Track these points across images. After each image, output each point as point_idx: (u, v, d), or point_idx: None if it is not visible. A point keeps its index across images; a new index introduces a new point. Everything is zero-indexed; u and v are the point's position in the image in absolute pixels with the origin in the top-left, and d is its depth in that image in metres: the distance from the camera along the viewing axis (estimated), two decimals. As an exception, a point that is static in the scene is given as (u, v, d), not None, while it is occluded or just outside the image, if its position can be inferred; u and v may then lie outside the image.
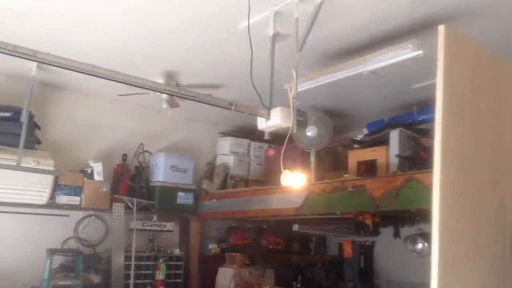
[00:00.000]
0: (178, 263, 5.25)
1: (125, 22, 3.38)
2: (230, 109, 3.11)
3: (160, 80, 4.34)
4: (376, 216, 4.31)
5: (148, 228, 5.16)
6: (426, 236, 4.23)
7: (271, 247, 5.82)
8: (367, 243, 5.12)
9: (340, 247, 5.31)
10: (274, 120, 3.10)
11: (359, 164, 4.32)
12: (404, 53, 3.18)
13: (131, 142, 5.20)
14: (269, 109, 3.12)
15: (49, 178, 4.33)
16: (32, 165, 4.11)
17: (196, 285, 5.47)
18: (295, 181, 3.41)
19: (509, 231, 2.27)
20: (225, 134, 6.04)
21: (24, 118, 4.05)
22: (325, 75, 3.69)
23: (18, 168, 3.93)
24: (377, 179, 3.80)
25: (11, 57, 2.39)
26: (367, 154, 4.31)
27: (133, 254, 4.78)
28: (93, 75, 2.61)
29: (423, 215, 4.21)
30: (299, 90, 3.09)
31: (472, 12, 3.07)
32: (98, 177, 4.75)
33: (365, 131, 4.83)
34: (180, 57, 4.00)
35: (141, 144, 5.20)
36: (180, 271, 5.25)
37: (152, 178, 5.25)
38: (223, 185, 5.51)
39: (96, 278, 4.57)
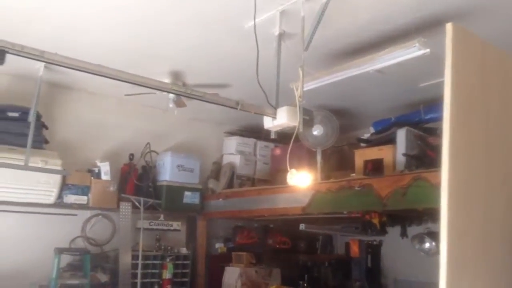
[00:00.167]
0: (185, 262, 5.26)
1: (131, 21, 3.39)
2: (237, 108, 3.11)
3: (166, 80, 4.35)
4: (383, 215, 4.29)
5: (155, 227, 5.18)
6: (433, 235, 4.21)
7: (277, 246, 5.81)
8: (374, 243, 5.10)
9: (347, 246, 5.29)
10: (281, 119, 3.09)
11: (366, 163, 4.31)
12: (410, 51, 3.17)
13: (138, 142, 5.22)
14: (275, 108, 3.12)
15: (57, 178, 4.35)
16: (40, 164, 4.14)
17: (202, 284, 5.48)
18: (302, 180, 3.41)
19: (517, 230, 2.26)
20: (231, 133, 6.04)
21: (31, 118, 4.08)
22: (331, 74, 3.68)
23: (26, 167, 3.95)
24: (384, 178, 3.79)
25: (19, 58, 2.40)
26: (373, 153, 4.30)
27: (140, 253, 4.79)
28: (100, 75, 2.63)
29: (431, 214, 4.19)
30: (305, 89, 3.08)
31: (478, 10, 3.05)
32: (105, 176, 4.77)
33: (372, 130, 4.81)
34: (186, 56, 4.01)
35: (148, 143, 5.22)
36: (187, 270, 5.27)
37: (159, 178, 5.27)
38: (230, 185, 5.51)
39: (103, 277, 4.59)
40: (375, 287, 5.10)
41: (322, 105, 4.79)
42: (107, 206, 4.78)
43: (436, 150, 3.91)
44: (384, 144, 4.24)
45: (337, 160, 5.22)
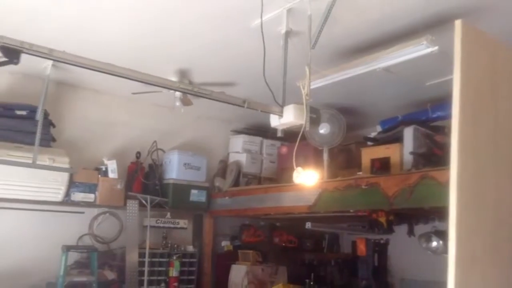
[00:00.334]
0: (191, 260, 5.28)
1: (137, 20, 3.40)
2: (243, 106, 3.11)
3: (173, 78, 4.36)
4: (390, 214, 4.27)
5: (161, 225, 5.19)
6: (441, 234, 4.18)
7: (284, 244, 5.81)
8: (381, 241, 5.07)
9: (354, 245, 5.27)
10: (287, 118, 3.09)
11: (373, 161, 4.30)
12: (418, 49, 3.15)
13: (145, 140, 5.23)
14: (282, 106, 3.12)
15: (65, 176, 4.37)
16: (47, 162, 4.16)
17: (209, 282, 5.49)
18: (308, 178, 3.40)
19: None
20: (237, 132, 6.04)
21: (39, 116, 4.11)
22: (338, 72, 3.67)
23: (34, 165, 3.97)
24: (391, 177, 3.77)
25: (27, 56, 2.41)
26: (380, 151, 4.28)
27: (147, 251, 4.81)
28: (108, 73, 2.63)
29: (438, 213, 4.17)
30: (312, 87, 3.08)
31: (488, 7, 3.02)
32: (112, 174, 4.79)
33: (379, 128, 4.80)
34: (193, 54, 4.01)
35: (155, 142, 5.24)
36: (194, 268, 5.28)
37: (166, 176, 5.28)
38: (236, 183, 5.51)
39: (110, 275, 4.61)
40: (382, 286, 5.08)
41: (329, 103, 4.78)
42: (114, 204, 4.80)
43: (443, 148, 3.90)
44: (391, 143, 4.22)
45: (344, 158, 5.20)
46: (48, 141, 4.40)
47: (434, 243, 4.24)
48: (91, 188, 4.63)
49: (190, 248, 5.34)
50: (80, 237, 4.73)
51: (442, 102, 4.28)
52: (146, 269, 4.76)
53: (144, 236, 4.94)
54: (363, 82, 4.15)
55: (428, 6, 3.04)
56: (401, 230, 4.75)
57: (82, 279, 4.31)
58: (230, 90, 4.28)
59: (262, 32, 3.04)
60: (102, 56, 2.73)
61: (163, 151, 5.35)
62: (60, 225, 4.63)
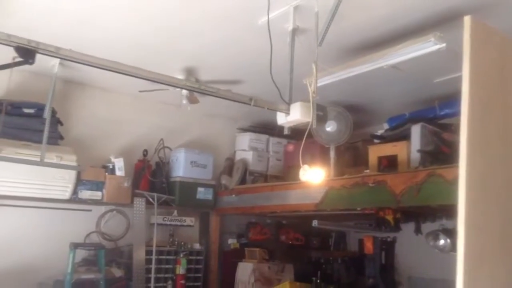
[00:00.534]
0: (198, 257, 5.29)
1: (144, 17, 3.40)
2: (250, 104, 3.10)
3: (180, 76, 4.36)
4: (397, 212, 4.25)
5: (168, 223, 5.21)
6: (448, 232, 4.16)
7: (290, 242, 5.81)
8: (388, 239, 5.06)
9: (361, 243, 5.26)
10: (294, 115, 3.08)
11: (380, 159, 4.28)
12: (426, 46, 3.13)
13: (152, 138, 5.25)
14: (288, 104, 3.11)
15: (72, 174, 4.39)
16: (55, 160, 4.18)
17: (215, 280, 5.50)
18: (314, 176, 3.40)
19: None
20: (244, 129, 6.04)
21: (47, 114, 4.13)
22: (345, 69, 3.66)
23: (41, 163, 4.00)
24: (398, 175, 3.76)
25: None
26: (388, 149, 4.27)
27: (154, 249, 4.83)
28: (115, 71, 2.64)
29: (445, 211, 4.15)
30: (319, 85, 3.07)
31: (495, 3, 2.99)
32: (119, 172, 4.81)
33: (386, 126, 4.78)
34: (199, 52, 4.02)
35: (161, 139, 5.26)
36: (200, 266, 5.29)
37: (172, 174, 5.29)
38: (242, 181, 5.52)
39: (118, 272, 4.63)
40: (389, 284, 5.06)
41: (336, 101, 4.77)
42: (121, 201, 4.82)
43: (451, 146, 3.87)
44: (398, 140, 4.20)
45: (350, 156, 5.19)
46: (55, 139, 4.42)
47: (442, 241, 4.22)
48: (98, 186, 4.65)
49: (197, 246, 5.35)
50: (88, 235, 4.75)
51: (450, 99, 4.26)
52: (153, 266, 4.78)
53: (151, 234, 4.95)
54: (370, 79, 4.13)
55: (435, 3, 3.02)
56: (408, 228, 4.73)
57: (90, 276, 4.33)
58: (237, 88, 4.28)
59: (269, 29, 3.03)
60: (108, 54, 2.73)
61: (170, 149, 5.37)
62: (67, 222, 4.65)
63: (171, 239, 5.17)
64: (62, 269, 4.30)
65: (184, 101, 4.66)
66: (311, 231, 5.66)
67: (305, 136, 3.14)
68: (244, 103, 3.12)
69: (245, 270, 5.29)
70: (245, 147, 5.74)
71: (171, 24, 3.50)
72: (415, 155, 3.98)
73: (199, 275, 5.28)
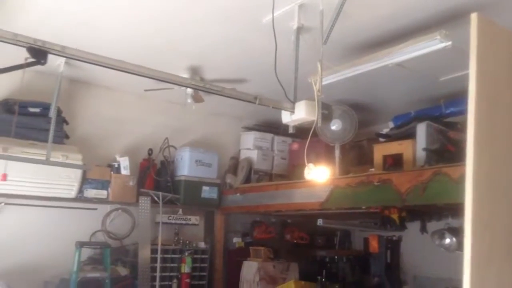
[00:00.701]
0: (203, 256, 5.30)
1: (149, 16, 3.41)
2: (255, 103, 3.10)
3: (185, 75, 4.36)
4: (402, 210, 4.24)
5: (173, 221, 5.22)
6: (454, 231, 4.15)
7: (295, 241, 5.81)
8: (394, 238, 5.05)
9: (366, 241, 5.25)
10: (299, 114, 3.08)
11: (385, 158, 4.26)
12: (431, 44, 3.11)
13: (157, 137, 5.26)
14: (293, 102, 3.11)
15: (78, 173, 4.41)
16: (60, 159, 4.20)
17: (221, 278, 5.51)
18: (319, 175, 3.39)
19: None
20: (249, 128, 6.04)
21: (52, 113, 4.14)
22: (350, 67, 3.65)
23: (47, 162, 4.01)
24: (404, 173, 3.75)
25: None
26: (393, 147, 4.25)
27: (159, 247, 4.84)
28: (120, 70, 2.65)
29: (451, 210, 4.13)
30: (324, 83, 3.06)
31: (502, 1, 2.97)
32: (124, 171, 4.82)
33: (391, 124, 4.76)
34: (204, 51, 4.01)
35: (166, 138, 5.27)
36: (205, 264, 5.30)
37: (177, 173, 5.30)
38: (247, 180, 5.52)
39: (123, 271, 4.65)
40: (394, 283, 5.05)
41: (341, 99, 4.76)
42: (127, 200, 4.84)
43: (457, 144, 3.85)
44: (403, 139, 4.19)
45: (355, 155, 5.17)
46: (61, 138, 4.44)
47: (447, 240, 4.21)
48: (103, 184, 4.67)
49: (202, 245, 5.36)
50: (93, 234, 4.77)
51: (456, 97, 4.24)
52: (158, 265, 4.79)
53: (156, 233, 4.97)
54: (375, 78, 4.12)
55: (441, 0, 3.00)
56: (413, 227, 4.72)
57: (95, 275, 4.35)
58: (242, 87, 4.28)
59: (273, 28, 3.03)
60: (112, 54, 2.73)
61: (175, 148, 5.38)
62: (73, 221, 4.67)
63: (176, 238, 5.18)
64: (68, 267, 4.32)
65: (189, 100, 4.66)
66: (316, 230, 5.65)
67: (310, 135, 3.13)
68: (249, 101, 3.12)
69: (250, 269, 5.29)
70: (250, 146, 5.74)
71: (175, 23, 3.50)
72: (421, 154, 3.96)
73: (204, 273, 5.29)
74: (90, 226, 4.76)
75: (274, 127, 5.81)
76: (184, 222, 5.31)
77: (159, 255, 4.82)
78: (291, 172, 5.56)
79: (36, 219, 4.51)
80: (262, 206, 5.08)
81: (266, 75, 3.35)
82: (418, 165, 3.91)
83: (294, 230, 5.82)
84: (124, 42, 3.82)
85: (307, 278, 5.33)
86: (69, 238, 4.43)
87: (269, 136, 5.85)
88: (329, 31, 3.07)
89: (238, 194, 5.35)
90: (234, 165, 5.73)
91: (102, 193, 4.65)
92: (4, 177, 3.88)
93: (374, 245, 4.86)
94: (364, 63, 3.54)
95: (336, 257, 5.60)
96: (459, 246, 4.00)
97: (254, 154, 5.66)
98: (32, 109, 4.29)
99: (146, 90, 4.55)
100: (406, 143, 4.13)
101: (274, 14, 3.04)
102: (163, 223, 5.00)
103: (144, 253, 4.81)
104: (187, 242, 5.22)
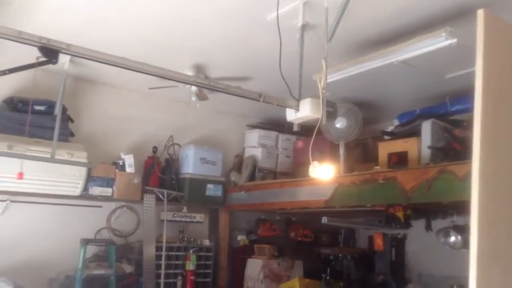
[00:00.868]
0: (207, 254, 5.31)
1: (153, 14, 3.41)
2: (259, 100, 3.09)
3: (189, 73, 4.36)
4: (407, 208, 4.24)
5: (178, 219, 5.23)
6: (459, 229, 4.13)
7: (300, 239, 5.81)
8: (399, 236, 5.04)
9: (370, 239, 5.24)
10: (304, 112, 3.07)
11: (390, 156, 4.25)
12: (437, 41, 3.09)
13: (161, 135, 5.27)
14: (298, 100, 3.10)
15: (83, 170, 4.43)
16: (66, 157, 4.21)
17: (225, 276, 5.52)
18: (324, 173, 3.38)
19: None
20: (253, 126, 6.03)
21: (57, 111, 4.15)
22: (355, 65, 3.63)
23: (52, 160, 4.02)
24: (409, 171, 3.73)
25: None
26: (398, 145, 4.24)
27: (164, 245, 4.85)
28: (125, 68, 2.65)
29: (456, 208, 4.12)
30: (328, 81, 3.05)
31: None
32: (129, 169, 4.83)
33: (396, 122, 4.75)
34: (209, 49, 4.01)
35: (171, 136, 5.28)
36: (210, 262, 5.32)
37: (182, 170, 5.31)
38: (252, 177, 5.52)
39: (128, 268, 4.67)
40: (399, 281, 5.05)
41: (345, 97, 4.74)
42: (132, 198, 4.85)
43: (462, 142, 3.84)
44: (408, 137, 4.18)
45: (360, 153, 5.16)
46: (66, 136, 4.45)
47: (453, 238, 4.19)
48: (108, 182, 4.68)
49: (207, 242, 5.37)
50: (98, 231, 4.79)
51: (461, 95, 4.22)
52: (163, 262, 4.80)
53: (161, 230, 4.98)
54: (380, 75, 4.10)
55: (447, -3, 2.99)
56: (418, 225, 4.70)
57: (100, 272, 4.37)
58: (246, 84, 4.28)
59: (278, 25, 3.02)
60: (116, 52, 2.73)
61: (179, 146, 5.38)
62: (78, 219, 4.69)
63: (180, 236, 5.19)
64: (73, 264, 4.34)
65: (193, 98, 4.66)
66: (320, 227, 5.64)
67: (314, 133, 3.13)
68: (254, 99, 3.11)
69: (254, 267, 5.30)
70: (254, 144, 5.74)
71: (180, 20, 3.49)
72: (426, 152, 3.95)
73: (209, 271, 5.30)
74: (95, 224, 4.78)
75: (279, 125, 5.80)
76: (188, 219, 5.32)
77: (163, 253, 4.83)
78: (296, 170, 5.55)
79: (41, 217, 4.53)
80: (267, 204, 5.08)
81: (271, 73, 3.34)
82: (423, 163, 3.90)
83: (299, 228, 5.82)
84: (127, 40, 3.82)
85: (312, 276, 5.33)
86: (74, 236, 4.45)
87: (273, 134, 5.85)
88: (334, 29, 3.06)
89: (242, 192, 5.36)
90: (239, 163, 5.73)
91: (107, 191, 4.67)
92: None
93: (379, 243, 4.86)
94: (369, 60, 3.52)
95: (340, 255, 5.59)
96: (464, 244, 3.98)
97: (258, 152, 5.66)
98: (37, 107, 4.30)
99: (150, 88, 4.56)
100: (411, 141, 4.12)
101: (279, 12, 3.03)
102: (167, 220, 5.01)
103: (149, 251, 4.82)
104: (192, 239, 5.24)
